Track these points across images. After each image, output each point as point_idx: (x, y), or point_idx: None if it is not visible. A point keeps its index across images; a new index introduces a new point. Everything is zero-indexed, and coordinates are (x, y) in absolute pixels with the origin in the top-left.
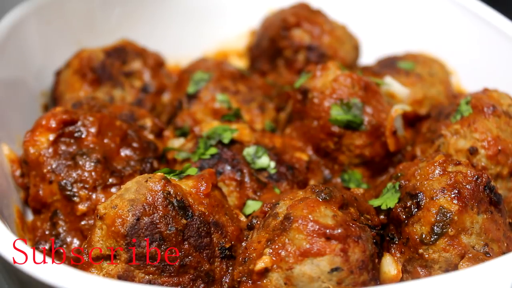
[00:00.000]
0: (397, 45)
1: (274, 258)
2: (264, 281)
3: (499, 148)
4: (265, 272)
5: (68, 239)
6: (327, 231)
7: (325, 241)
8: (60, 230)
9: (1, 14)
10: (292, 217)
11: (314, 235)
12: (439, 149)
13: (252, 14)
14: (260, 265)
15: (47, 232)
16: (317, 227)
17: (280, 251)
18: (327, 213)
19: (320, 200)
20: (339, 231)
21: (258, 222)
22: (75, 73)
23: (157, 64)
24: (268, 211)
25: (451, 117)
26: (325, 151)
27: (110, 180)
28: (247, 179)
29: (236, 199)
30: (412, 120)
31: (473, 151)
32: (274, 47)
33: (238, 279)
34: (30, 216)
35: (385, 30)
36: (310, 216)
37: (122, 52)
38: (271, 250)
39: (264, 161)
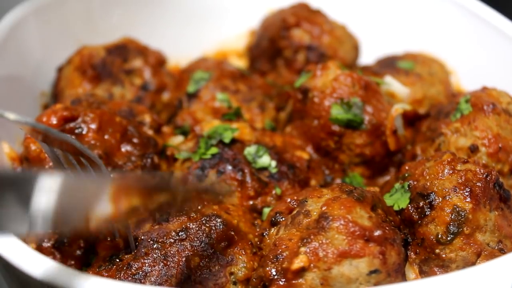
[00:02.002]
0: (396, 45)
1: (311, 258)
2: (299, 280)
3: (500, 145)
4: (301, 271)
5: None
6: (366, 232)
7: (364, 242)
8: None
9: (1, 14)
10: (330, 217)
11: (354, 236)
12: (439, 148)
13: (252, 14)
14: (297, 264)
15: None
16: (357, 228)
17: (317, 251)
18: (362, 214)
19: (354, 200)
20: (378, 233)
21: (284, 219)
22: (76, 69)
23: (158, 63)
24: (295, 207)
25: (451, 116)
26: (325, 150)
27: None
28: (248, 178)
29: (237, 199)
30: (411, 119)
31: (473, 149)
32: (273, 47)
33: (270, 277)
34: None
35: (384, 30)
36: (348, 216)
37: (123, 50)
38: (308, 249)
39: (265, 160)
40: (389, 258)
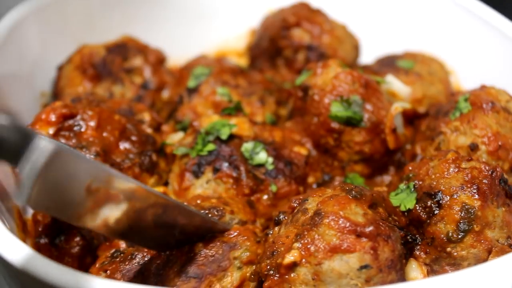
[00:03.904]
0: (396, 44)
1: (303, 253)
2: (292, 275)
3: (499, 143)
4: (293, 266)
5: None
6: (358, 228)
7: (355, 238)
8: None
9: (1, 14)
10: (323, 213)
11: (345, 232)
12: (439, 147)
13: (252, 14)
14: (289, 258)
15: (48, 227)
16: (348, 223)
17: (309, 246)
18: (357, 211)
19: (351, 197)
20: (370, 229)
21: (286, 218)
22: (76, 68)
23: (158, 61)
24: (296, 206)
25: (450, 115)
26: (324, 147)
27: None
28: (243, 176)
29: (233, 196)
30: (411, 118)
31: (473, 147)
32: (274, 47)
33: (265, 272)
34: (30, 210)
35: (384, 30)
36: (341, 212)
37: (123, 49)
38: (300, 245)
39: (262, 157)
40: (381, 254)
